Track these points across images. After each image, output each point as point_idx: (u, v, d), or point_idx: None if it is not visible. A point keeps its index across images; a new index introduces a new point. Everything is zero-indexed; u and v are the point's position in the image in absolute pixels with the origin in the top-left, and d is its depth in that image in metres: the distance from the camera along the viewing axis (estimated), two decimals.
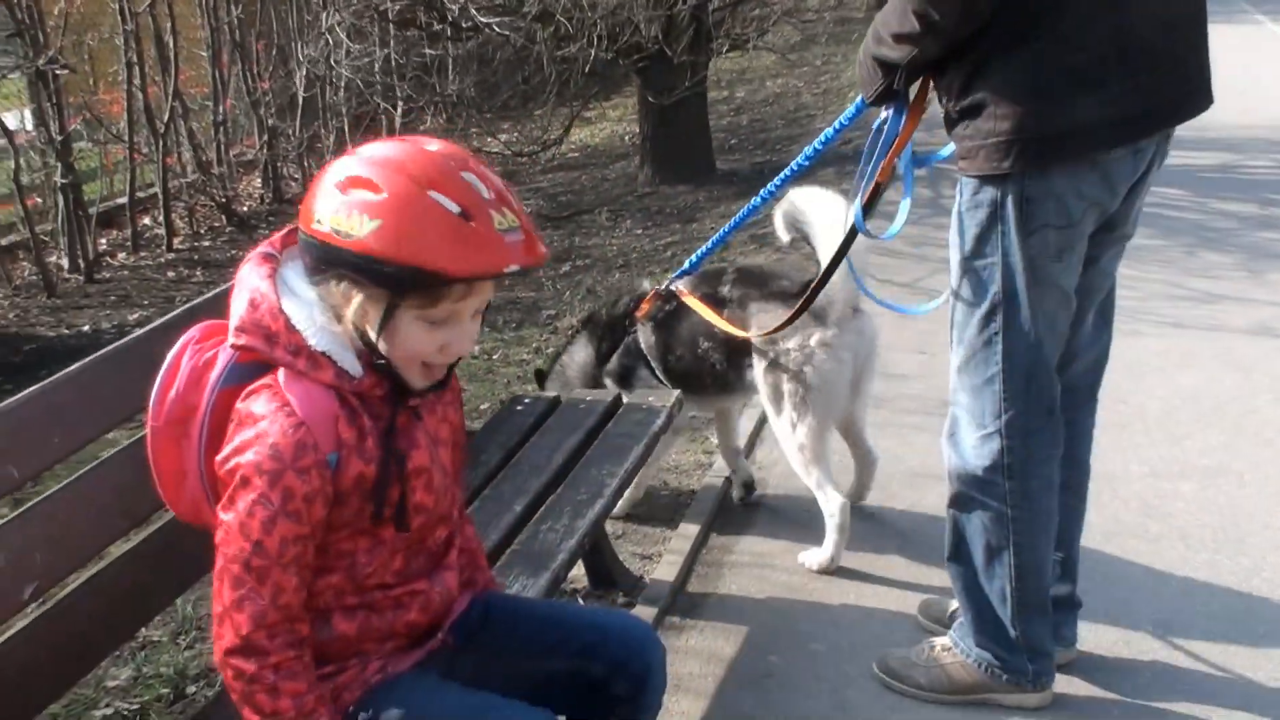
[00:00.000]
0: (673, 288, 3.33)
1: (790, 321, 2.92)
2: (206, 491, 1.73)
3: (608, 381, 3.44)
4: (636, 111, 8.05)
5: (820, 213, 3.08)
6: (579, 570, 3.09)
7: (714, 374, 3.29)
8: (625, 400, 3.15)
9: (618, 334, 3.42)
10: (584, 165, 8.62)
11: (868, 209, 2.54)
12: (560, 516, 2.55)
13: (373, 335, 1.66)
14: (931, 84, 2.34)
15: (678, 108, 7.29)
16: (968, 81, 2.21)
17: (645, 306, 3.36)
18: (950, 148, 2.38)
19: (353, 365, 1.67)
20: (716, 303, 3.22)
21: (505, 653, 1.90)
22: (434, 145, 1.66)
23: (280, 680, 1.62)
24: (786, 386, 3.12)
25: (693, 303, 3.23)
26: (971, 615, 2.56)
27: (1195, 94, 2.26)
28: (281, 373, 1.66)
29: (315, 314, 1.67)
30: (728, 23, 7.87)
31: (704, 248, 3.33)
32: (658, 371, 3.37)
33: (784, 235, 3.27)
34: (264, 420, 1.63)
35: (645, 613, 2.97)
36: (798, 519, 3.45)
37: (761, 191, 3.02)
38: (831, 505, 3.16)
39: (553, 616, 1.99)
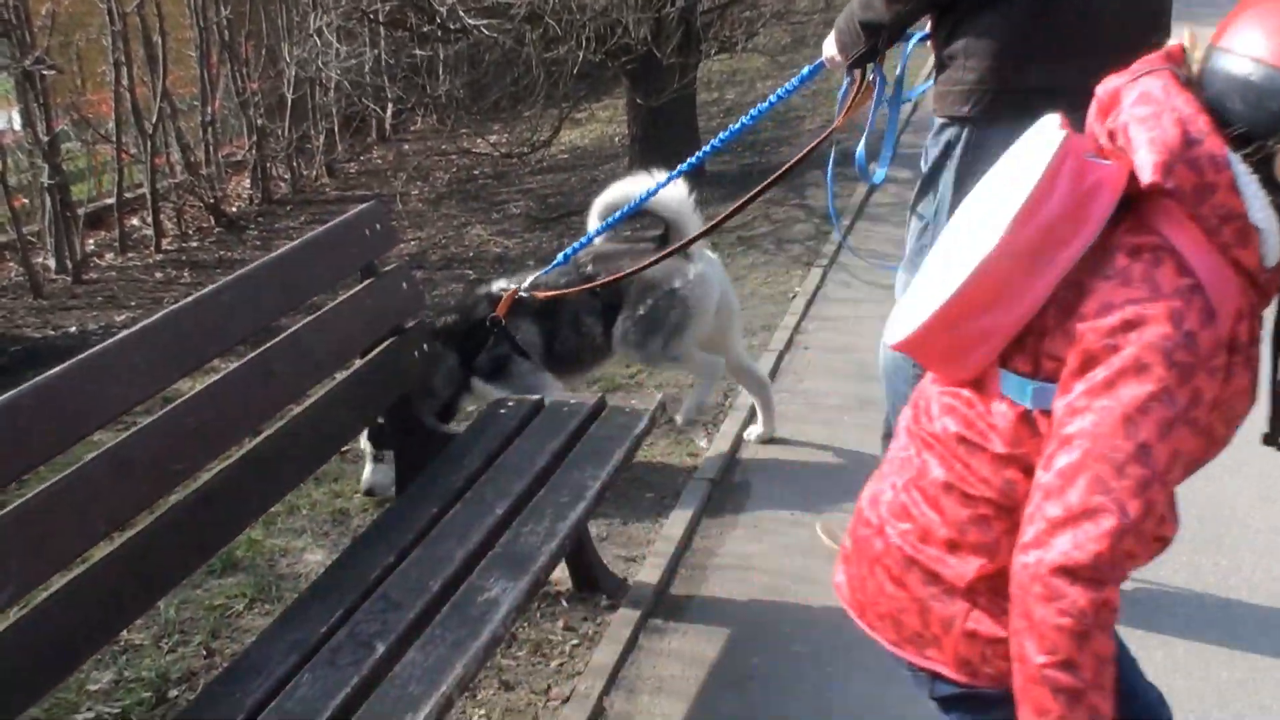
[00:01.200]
0: (531, 289, 3.53)
1: (682, 249, 3.52)
2: (1006, 342, 1.42)
3: (476, 381, 3.63)
4: (625, 113, 8.05)
5: (670, 192, 3.59)
6: (562, 572, 3.10)
7: (593, 346, 3.72)
8: (608, 404, 3.17)
9: (480, 335, 3.59)
10: (573, 166, 8.62)
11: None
12: (542, 519, 2.56)
13: None
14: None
15: (667, 110, 7.28)
16: (949, 35, 2.50)
17: (505, 305, 3.54)
18: (929, 83, 2.70)
19: (1274, 248, 1.34)
20: (584, 279, 3.58)
21: None
22: None
23: (1095, 629, 1.31)
24: (671, 315, 3.65)
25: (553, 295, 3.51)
26: None
27: None
28: (1179, 235, 1.34)
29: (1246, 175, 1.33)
30: (716, 25, 7.87)
31: (580, 240, 3.57)
32: (538, 360, 3.63)
33: (597, 221, 3.61)
34: (1173, 295, 1.31)
35: (629, 615, 2.99)
36: (781, 524, 3.47)
37: (672, 172, 3.42)
38: (707, 362, 3.81)
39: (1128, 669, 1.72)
